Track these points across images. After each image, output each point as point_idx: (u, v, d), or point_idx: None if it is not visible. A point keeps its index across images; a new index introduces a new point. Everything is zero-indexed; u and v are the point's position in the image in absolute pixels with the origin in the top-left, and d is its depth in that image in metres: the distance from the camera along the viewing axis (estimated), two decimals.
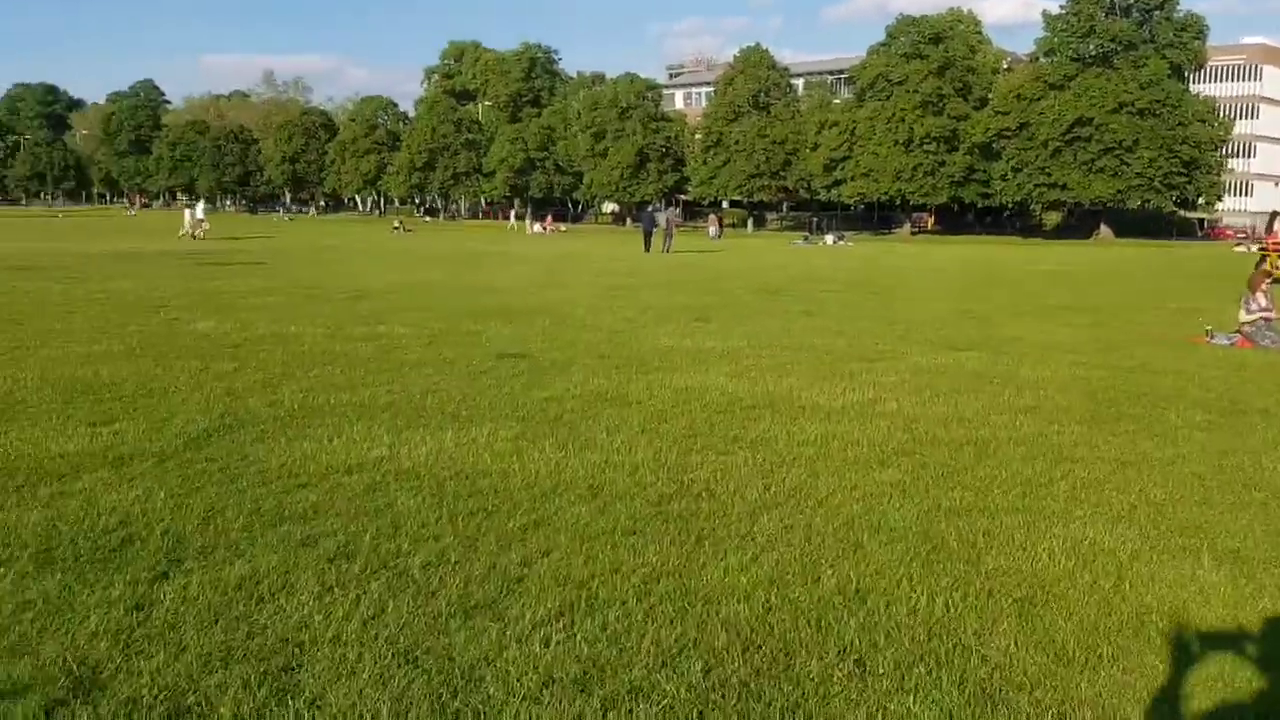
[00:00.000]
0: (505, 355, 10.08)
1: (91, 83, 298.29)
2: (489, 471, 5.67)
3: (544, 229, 67.95)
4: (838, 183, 75.49)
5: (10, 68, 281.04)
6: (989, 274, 28.33)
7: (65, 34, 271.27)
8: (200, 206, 45.17)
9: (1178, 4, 66.69)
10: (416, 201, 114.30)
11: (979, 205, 75.85)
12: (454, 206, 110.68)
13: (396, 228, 63.58)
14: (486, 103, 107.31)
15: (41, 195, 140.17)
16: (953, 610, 3.85)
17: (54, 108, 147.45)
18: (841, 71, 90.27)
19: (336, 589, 3.89)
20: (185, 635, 3.44)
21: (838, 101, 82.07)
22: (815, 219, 77.72)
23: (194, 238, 40.66)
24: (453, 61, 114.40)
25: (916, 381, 9.15)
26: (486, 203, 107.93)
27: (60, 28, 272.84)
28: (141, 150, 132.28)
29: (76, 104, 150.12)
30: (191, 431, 6.44)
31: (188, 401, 7.42)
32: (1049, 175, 66.95)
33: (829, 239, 57.41)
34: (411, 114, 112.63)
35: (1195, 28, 66.97)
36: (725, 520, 4.88)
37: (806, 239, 58.70)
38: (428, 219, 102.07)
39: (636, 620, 3.66)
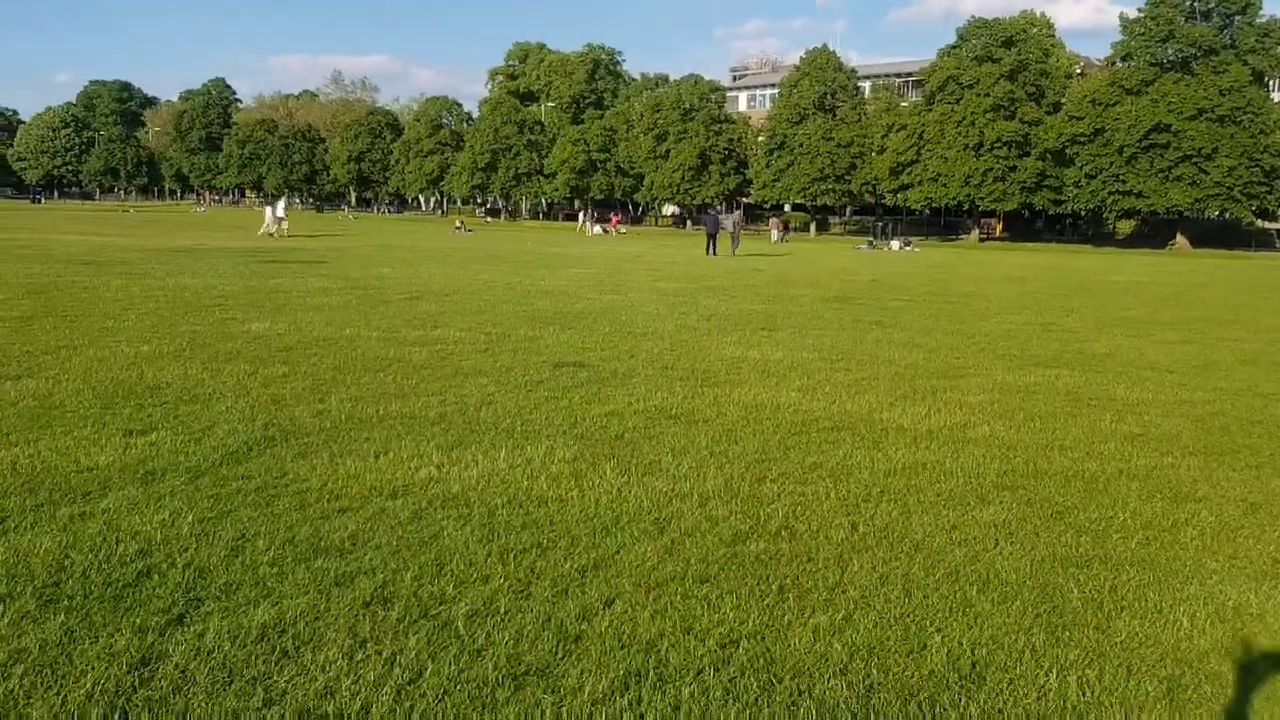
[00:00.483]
0: (563, 364, 9.60)
1: (166, 80, 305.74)
2: (544, 499, 5.17)
3: (608, 229, 67.70)
4: (904, 187, 74.10)
5: (87, 65, 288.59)
6: (1066, 283, 27.28)
7: (142, 33, 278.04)
8: (281, 204, 44.99)
9: (1260, 9, 64.37)
10: (479, 201, 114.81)
11: (1049, 212, 73.99)
12: (515, 207, 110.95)
13: (458, 227, 63.66)
14: (549, 104, 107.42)
15: (115, 190, 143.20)
16: (1089, 693, 3.25)
17: (129, 105, 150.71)
18: (909, 74, 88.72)
19: (370, 644, 3.41)
20: (192, 701, 2.98)
21: (905, 104, 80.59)
22: (880, 223, 76.47)
23: (274, 235, 40.77)
24: (517, 63, 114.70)
25: (1006, 402, 8.48)
26: (547, 203, 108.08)
27: (137, 26, 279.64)
28: (212, 147, 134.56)
29: (150, 101, 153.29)
30: (231, 444, 6.02)
31: (231, 410, 7.03)
32: (1124, 182, 64.98)
33: (895, 244, 56.27)
34: (475, 115, 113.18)
35: (1279, 34, 64.57)
36: (810, 567, 4.32)
37: (871, 244, 57.62)
38: (489, 219, 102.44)
39: (715, 698, 3.12)
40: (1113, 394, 9.11)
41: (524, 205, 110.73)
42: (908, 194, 74.19)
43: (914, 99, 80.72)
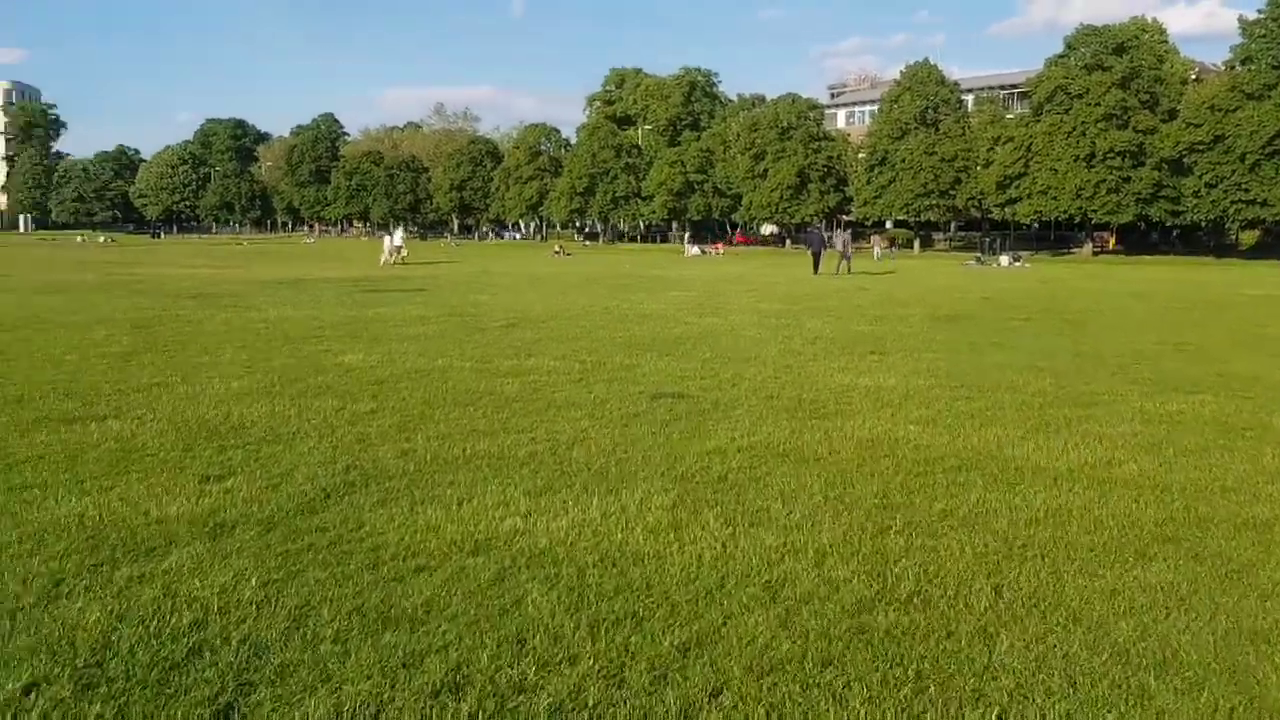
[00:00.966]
0: (661, 395, 9.08)
1: (279, 117, 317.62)
2: (640, 555, 4.64)
3: (712, 250, 67.44)
4: (1012, 201, 71.79)
5: (205, 103, 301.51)
6: (1192, 298, 25.73)
7: (256, 71, 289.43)
8: (399, 233, 46.16)
9: None
10: (576, 225, 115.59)
11: (1167, 224, 70.80)
12: (612, 229, 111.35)
13: (557, 252, 64.08)
14: (646, 127, 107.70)
15: (230, 224, 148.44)
16: None
17: (243, 141, 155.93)
18: (1014, 86, 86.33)
19: None
20: None
21: (1011, 116, 78.26)
22: (988, 238, 74.26)
23: (394, 263, 41.48)
24: (614, 88, 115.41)
25: (1150, 434, 7.66)
26: (645, 225, 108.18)
27: (252, 66, 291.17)
28: (321, 180, 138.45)
29: (263, 137, 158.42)
30: (308, 491, 5.65)
31: (314, 451, 6.69)
32: (1247, 191, 61.71)
33: (1004, 260, 54.41)
34: (573, 140, 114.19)
35: None
36: (951, 645, 3.69)
37: (979, 260, 55.88)
38: (587, 243, 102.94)
39: None
40: (1269, 424, 8.18)
41: (623, 227, 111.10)
42: (1016, 208, 71.90)
43: (1020, 111, 78.41)
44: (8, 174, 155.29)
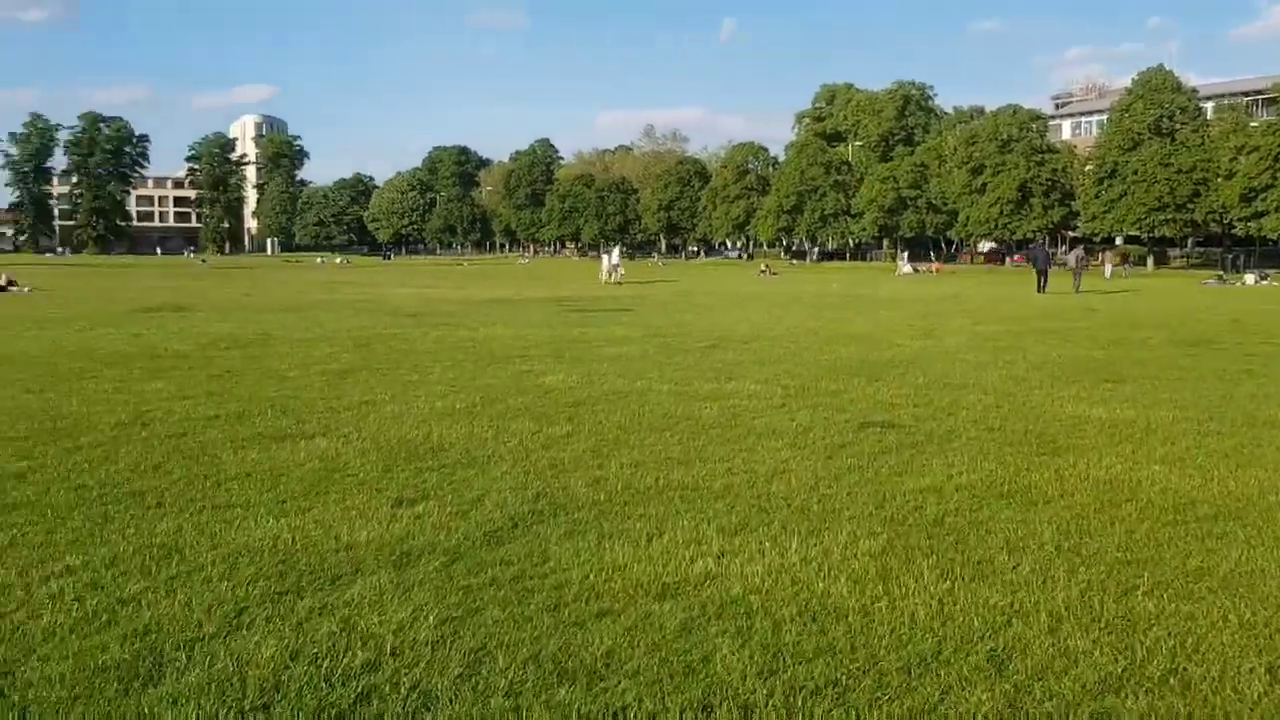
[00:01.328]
0: (869, 424, 8.50)
1: (499, 143, 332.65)
2: (844, 610, 4.17)
3: (928, 269, 65.44)
4: (1259, 214, 65.89)
5: (432, 132, 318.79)
6: None
7: (480, 100, 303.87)
8: (616, 252, 47.76)
9: None
10: (783, 243, 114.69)
11: None
12: (820, 248, 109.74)
13: (763, 271, 63.60)
14: (857, 143, 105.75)
15: (452, 245, 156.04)
16: None
17: (465, 167, 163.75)
18: (1259, 91, 79.65)
19: None
20: None
21: (1256, 124, 71.92)
22: (1230, 255, 68.52)
23: (611, 282, 42.97)
24: (824, 104, 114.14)
25: None
26: (854, 243, 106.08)
27: (473, 96, 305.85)
28: (536, 203, 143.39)
29: (485, 163, 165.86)
30: (496, 519, 5.48)
31: (506, 476, 6.55)
32: None
33: (1249, 278, 49.95)
34: (780, 158, 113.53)
35: None
36: None
37: (1221, 278, 51.55)
38: (793, 261, 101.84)
39: None
40: None
41: (830, 245, 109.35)
42: (1262, 222, 65.97)
43: (1266, 118, 72.04)
44: (258, 201, 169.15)
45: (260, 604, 4.19)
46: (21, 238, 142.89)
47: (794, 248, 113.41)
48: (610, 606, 4.20)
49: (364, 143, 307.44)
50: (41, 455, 7.05)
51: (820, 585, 4.48)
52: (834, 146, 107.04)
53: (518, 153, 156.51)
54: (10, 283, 32.72)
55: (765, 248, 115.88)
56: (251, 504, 5.79)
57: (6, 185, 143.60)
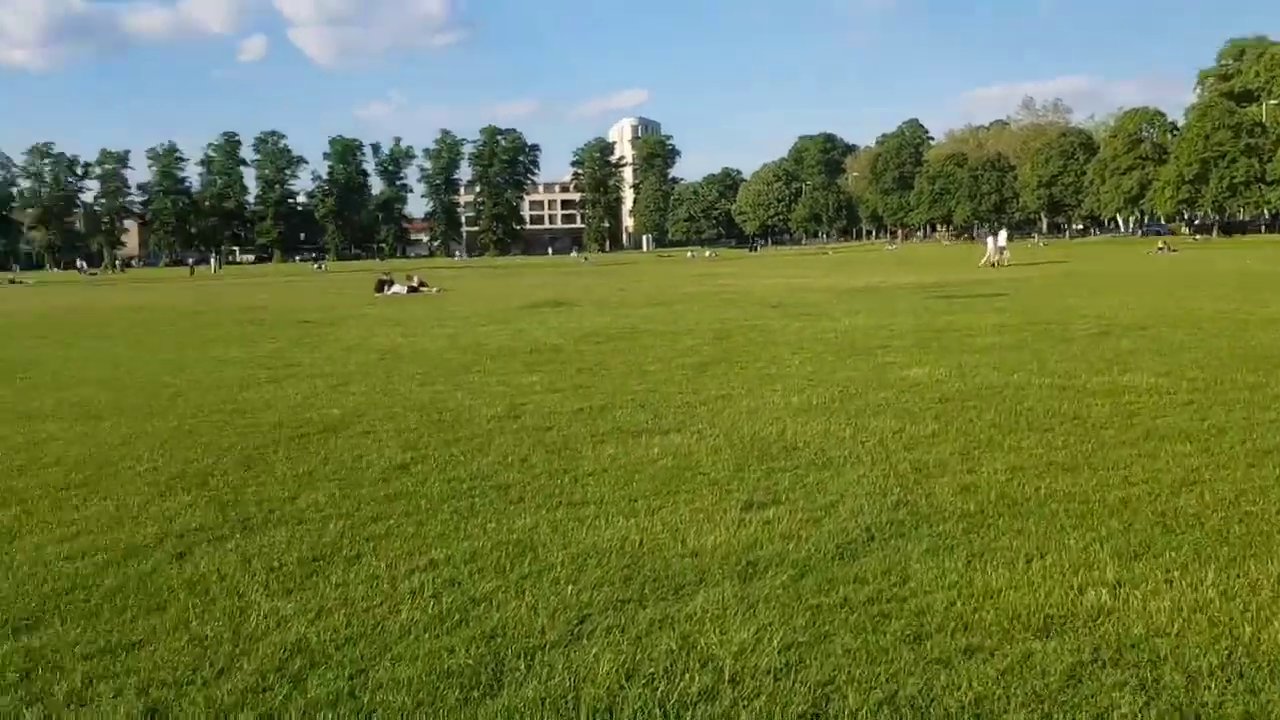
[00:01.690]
0: None
1: (865, 128, 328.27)
2: (1279, 662, 3.35)
3: None
4: None
5: (800, 123, 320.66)
6: None
7: (841, 87, 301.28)
8: (1003, 235, 46.80)
9: None
10: (1184, 217, 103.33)
11: None
12: (1226, 221, 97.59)
13: (1160, 248, 57.80)
14: (1272, 102, 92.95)
15: (818, 234, 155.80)
16: None
17: (831, 154, 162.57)
18: None
19: None
20: None
21: None
22: None
23: (995, 265, 41.88)
24: (1231, 61, 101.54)
25: None
26: (1270, 214, 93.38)
27: (842, 83, 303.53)
28: (904, 186, 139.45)
29: (850, 149, 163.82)
30: (850, 529, 5.06)
31: (863, 480, 6.08)
32: None
33: None
34: (1179, 124, 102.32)
35: None
36: None
37: None
38: (1197, 237, 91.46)
39: None
40: None
41: (1243, 217, 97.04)
42: None
43: None
44: (634, 199, 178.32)
45: (602, 612, 4.07)
46: (435, 243, 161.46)
47: (1197, 221, 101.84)
48: (980, 642, 3.65)
49: (732, 137, 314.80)
50: (425, 446, 7.53)
51: (1248, 630, 3.65)
52: (1244, 107, 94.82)
53: (884, 136, 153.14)
54: (421, 284, 36.44)
55: (1162, 222, 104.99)
56: (604, 501, 5.78)
57: (423, 196, 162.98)
